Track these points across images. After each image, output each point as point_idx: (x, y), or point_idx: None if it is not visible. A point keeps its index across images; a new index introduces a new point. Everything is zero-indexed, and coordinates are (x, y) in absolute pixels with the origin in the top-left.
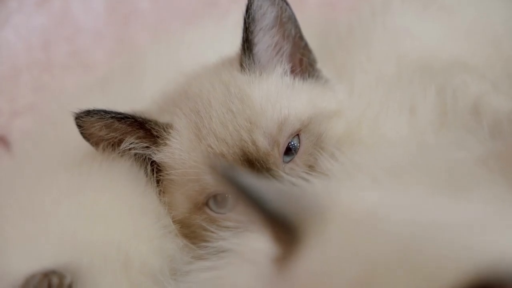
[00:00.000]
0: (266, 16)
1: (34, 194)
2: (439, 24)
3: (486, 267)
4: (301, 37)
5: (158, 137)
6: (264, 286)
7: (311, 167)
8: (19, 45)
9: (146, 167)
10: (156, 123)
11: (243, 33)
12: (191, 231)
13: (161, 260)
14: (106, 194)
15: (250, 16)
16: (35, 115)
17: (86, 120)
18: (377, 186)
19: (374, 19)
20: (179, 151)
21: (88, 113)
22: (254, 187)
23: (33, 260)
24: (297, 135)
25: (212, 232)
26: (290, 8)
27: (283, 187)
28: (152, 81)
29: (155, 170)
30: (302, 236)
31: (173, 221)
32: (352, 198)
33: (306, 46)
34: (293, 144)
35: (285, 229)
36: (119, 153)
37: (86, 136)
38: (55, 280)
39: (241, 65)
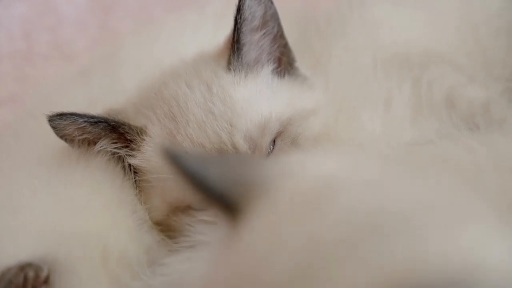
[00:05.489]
0: (255, 15)
1: (12, 186)
2: (416, 13)
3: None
4: (282, 36)
5: (132, 141)
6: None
7: None
8: (0, 34)
9: (123, 163)
10: (130, 127)
11: (234, 34)
12: (168, 229)
13: (139, 250)
14: (84, 187)
15: (242, 16)
16: (15, 106)
17: (59, 123)
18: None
19: (352, 9)
20: (154, 158)
21: (61, 116)
22: (196, 168)
23: (10, 253)
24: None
25: (190, 226)
26: (274, 6)
27: (227, 162)
28: (131, 72)
29: (132, 169)
30: (244, 211)
31: (149, 219)
32: (308, 167)
33: (286, 45)
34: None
35: (227, 206)
36: (94, 152)
37: (60, 136)
38: (31, 274)
39: (228, 65)
